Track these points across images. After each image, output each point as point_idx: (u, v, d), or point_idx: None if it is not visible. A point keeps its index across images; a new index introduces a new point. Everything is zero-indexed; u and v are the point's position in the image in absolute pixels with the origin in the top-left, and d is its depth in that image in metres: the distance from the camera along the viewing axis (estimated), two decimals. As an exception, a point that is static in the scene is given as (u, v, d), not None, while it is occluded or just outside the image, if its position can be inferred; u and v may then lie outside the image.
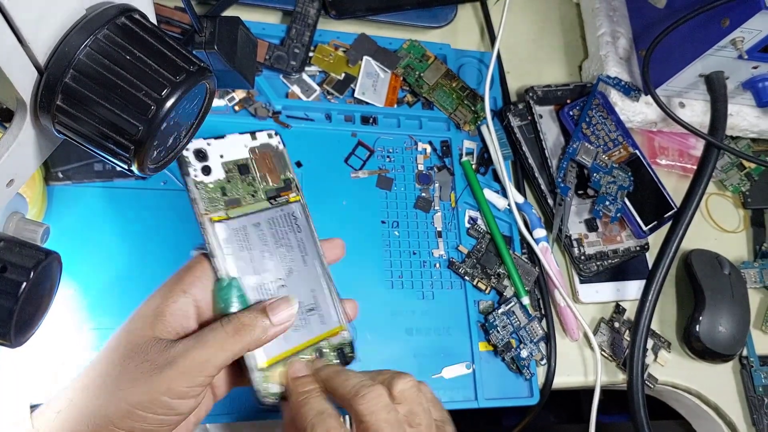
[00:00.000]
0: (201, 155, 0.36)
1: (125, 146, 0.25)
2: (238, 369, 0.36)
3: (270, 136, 0.39)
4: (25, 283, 0.24)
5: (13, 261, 0.25)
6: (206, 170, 0.36)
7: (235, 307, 0.34)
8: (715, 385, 0.61)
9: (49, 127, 0.26)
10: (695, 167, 0.57)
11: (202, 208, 0.35)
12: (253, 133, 0.38)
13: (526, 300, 0.56)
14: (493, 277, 0.57)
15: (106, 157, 0.26)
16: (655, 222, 0.61)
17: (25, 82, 0.24)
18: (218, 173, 0.36)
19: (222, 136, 0.37)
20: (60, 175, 0.50)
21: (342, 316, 0.38)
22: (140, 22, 0.26)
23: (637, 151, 0.62)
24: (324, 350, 0.37)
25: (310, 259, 0.38)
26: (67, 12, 0.25)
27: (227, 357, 0.32)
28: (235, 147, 0.37)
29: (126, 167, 0.26)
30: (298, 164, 0.56)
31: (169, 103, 0.25)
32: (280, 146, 0.39)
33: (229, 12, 0.57)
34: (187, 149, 0.34)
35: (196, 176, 0.35)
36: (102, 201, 0.51)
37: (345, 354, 0.38)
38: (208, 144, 0.36)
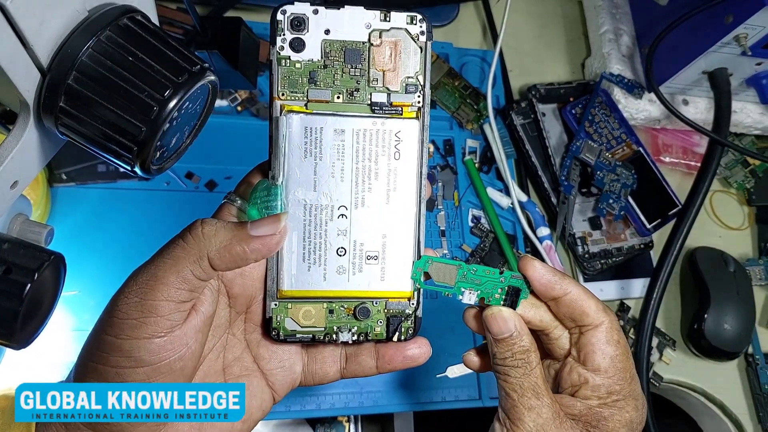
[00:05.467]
0: (298, 24, 0.28)
1: (128, 147, 0.25)
2: (301, 372, 0.32)
3: (412, 20, 0.29)
4: (29, 285, 0.24)
5: (17, 262, 0.25)
6: (298, 44, 0.28)
7: (261, 214, 0.29)
8: (720, 383, 0.61)
9: (52, 129, 0.26)
10: (699, 164, 0.57)
11: (276, 90, 0.28)
12: (387, 12, 0.29)
13: (530, 299, 0.56)
14: (496, 275, 0.57)
15: (109, 158, 0.26)
16: (659, 220, 0.60)
17: (28, 83, 0.24)
18: (313, 52, 0.28)
19: (339, 4, 0.29)
20: (63, 177, 0.50)
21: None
22: (142, 23, 0.26)
23: (640, 149, 0.62)
24: (366, 311, 0.30)
25: (398, 198, 0.30)
26: (70, 13, 0.25)
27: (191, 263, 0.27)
28: (352, 24, 0.29)
29: (129, 168, 0.26)
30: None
31: (171, 104, 0.25)
32: (422, 39, 0.29)
33: (230, 13, 0.57)
34: (282, 12, 0.28)
35: (281, 49, 0.28)
36: (105, 202, 0.51)
37: (397, 328, 0.31)
38: (315, 12, 0.28)
